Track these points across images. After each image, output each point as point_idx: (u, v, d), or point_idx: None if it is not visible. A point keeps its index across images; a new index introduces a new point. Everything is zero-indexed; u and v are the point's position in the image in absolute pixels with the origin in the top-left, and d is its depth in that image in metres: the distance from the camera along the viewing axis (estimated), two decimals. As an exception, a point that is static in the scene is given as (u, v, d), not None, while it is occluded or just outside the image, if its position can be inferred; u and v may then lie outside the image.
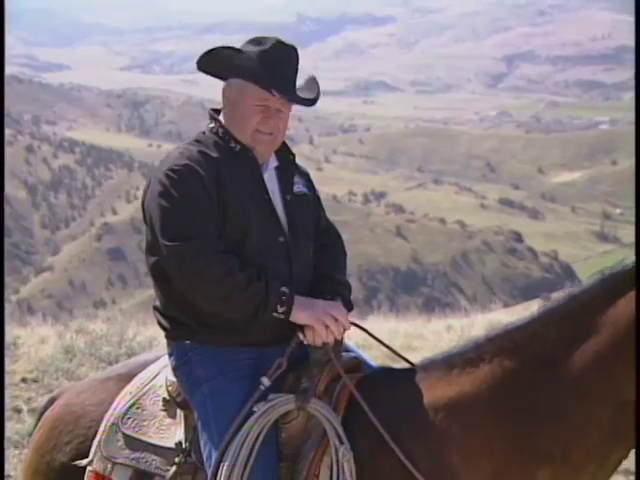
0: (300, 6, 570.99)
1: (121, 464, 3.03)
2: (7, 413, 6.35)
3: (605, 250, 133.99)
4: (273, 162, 3.09)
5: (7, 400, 6.81)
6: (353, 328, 2.99)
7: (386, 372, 3.01)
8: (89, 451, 3.10)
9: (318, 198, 3.26)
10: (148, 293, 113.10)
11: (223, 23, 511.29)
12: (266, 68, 2.89)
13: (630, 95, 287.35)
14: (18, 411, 6.62)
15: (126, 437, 3.05)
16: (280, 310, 2.78)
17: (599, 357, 2.62)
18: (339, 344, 2.89)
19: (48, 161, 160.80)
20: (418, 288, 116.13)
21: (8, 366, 7.98)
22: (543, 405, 2.64)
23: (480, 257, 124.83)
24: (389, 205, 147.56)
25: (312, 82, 3.11)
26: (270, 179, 3.04)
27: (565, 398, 2.63)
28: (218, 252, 2.78)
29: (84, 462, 3.07)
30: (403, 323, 12.25)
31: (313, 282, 3.03)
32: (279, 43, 2.97)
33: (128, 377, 3.24)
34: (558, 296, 2.83)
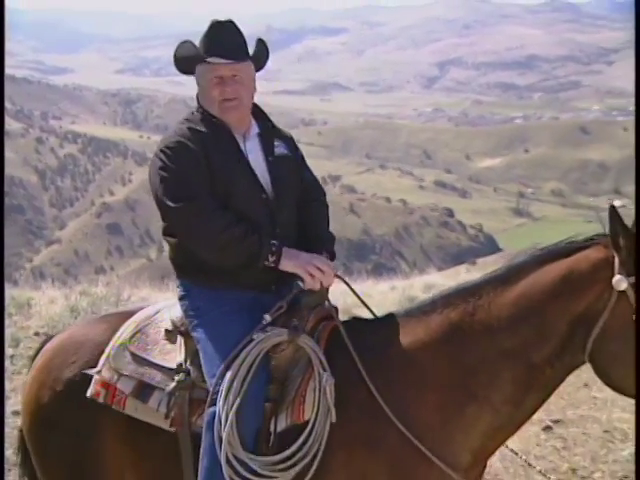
0: (268, 19, 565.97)
1: (127, 375, 2.89)
2: (22, 361, 6.30)
3: (520, 223, 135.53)
4: (255, 129, 2.98)
5: (22, 351, 6.78)
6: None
7: (356, 321, 2.95)
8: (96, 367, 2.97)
9: (302, 158, 3.12)
10: (141, 262, 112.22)
11: (202, 32, 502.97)
12: (203, 46, 2.84)
13: (538, 95, 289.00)
14: (32, 360, 6.54)
15: (133, 355, 2.92)
16: (270, 259, 2.73)
17: (514, 322, 2.60)
18: (326, 292, 2.86)
19: (55, 150, 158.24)
20: (368, 256, 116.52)
21: (23, 322, 7.94)
22: (473, 352, 2.63)
23: (419, 230, 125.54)
24: (343, 186, 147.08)
25: (261, 45, 2.96)
26: (253, 144, 2.93)
27: (488, 350, 2.61)
28: (216, 209, 2.73)
29: (93, 371, 2.92)
30: (355, 285, 12.25)
31: (300, 240, 2.95)
32: (215, 22, 2.86)
33: (125, 315, 3.11)
34: (506, 262, 2.76)
